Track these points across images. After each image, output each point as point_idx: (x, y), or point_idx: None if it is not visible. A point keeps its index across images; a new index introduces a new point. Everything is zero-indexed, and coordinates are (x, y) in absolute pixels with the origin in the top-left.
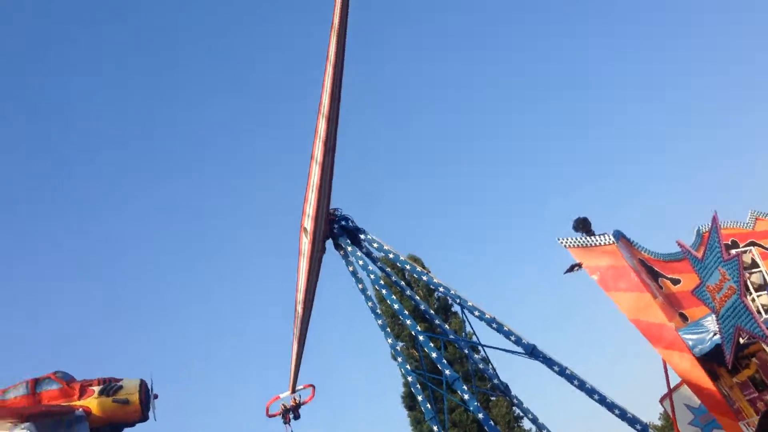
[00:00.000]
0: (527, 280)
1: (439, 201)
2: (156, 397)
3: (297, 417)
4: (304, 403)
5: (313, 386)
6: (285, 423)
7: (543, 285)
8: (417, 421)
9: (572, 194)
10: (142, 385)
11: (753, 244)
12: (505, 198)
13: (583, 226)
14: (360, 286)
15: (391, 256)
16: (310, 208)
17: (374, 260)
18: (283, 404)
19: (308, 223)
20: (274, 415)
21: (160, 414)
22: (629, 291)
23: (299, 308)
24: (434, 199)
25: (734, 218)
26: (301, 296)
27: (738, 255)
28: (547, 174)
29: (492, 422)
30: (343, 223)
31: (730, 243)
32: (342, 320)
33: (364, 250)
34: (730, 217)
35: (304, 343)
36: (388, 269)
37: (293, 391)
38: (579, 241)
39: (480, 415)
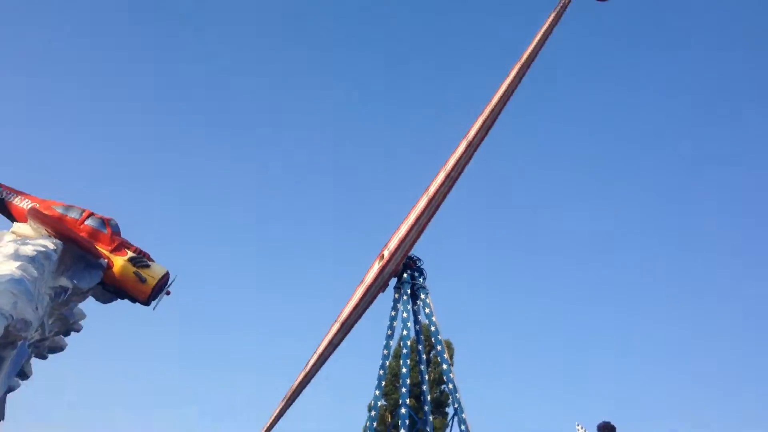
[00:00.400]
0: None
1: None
2: (168, 293)
3: None
4: None
5: None
6: None
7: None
8: None
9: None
10: (166, 275)
11: None
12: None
13: (606, 427)
14: (389, 332)
15: (432, 328)
16: (396, 239)
17: (416, 321)
18: None
19: (387, 252)
20: None
21: (160, 308)
22: None
23: (333, 330)
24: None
25: None
26: (342, 317)
27: None
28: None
29: None
30: (415, 273)
31: None
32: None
33: (415, 307)
34: None
35: (307, 383)
36: (422, 337)
37: None
38: None
39: None
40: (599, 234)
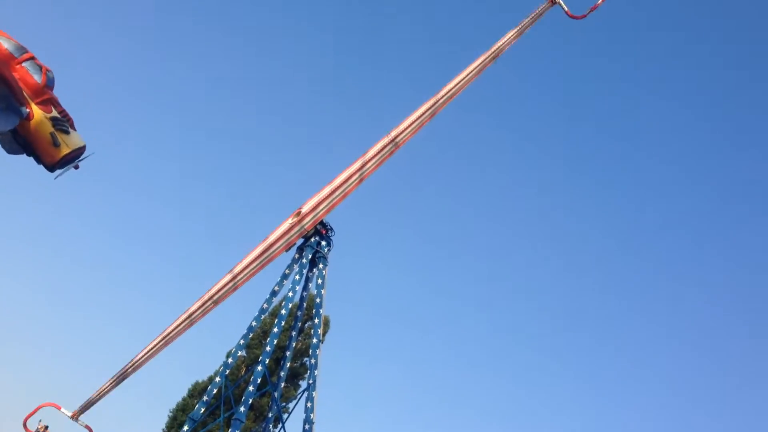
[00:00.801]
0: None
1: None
2: (77, 167)
3: None
4: None
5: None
6: None
7: None
8: (182, 408)
9: None
10: (81, 149)
11: None
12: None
13: None
14: (276, 288)
15: (317, 300)
16: (322, 205)
17: (305, 288)
18: (43, 425)
19: (306, 212)
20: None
21: (61, 180)
22: None
23: (224, 280)
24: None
25: None
26: (238, 268)
27: None
28: None
29: None
30: (323, 242)
31: None
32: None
33: (310, 273)
34: None
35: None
36: (305, 305)
37: (77, 416)
38: None
39: None
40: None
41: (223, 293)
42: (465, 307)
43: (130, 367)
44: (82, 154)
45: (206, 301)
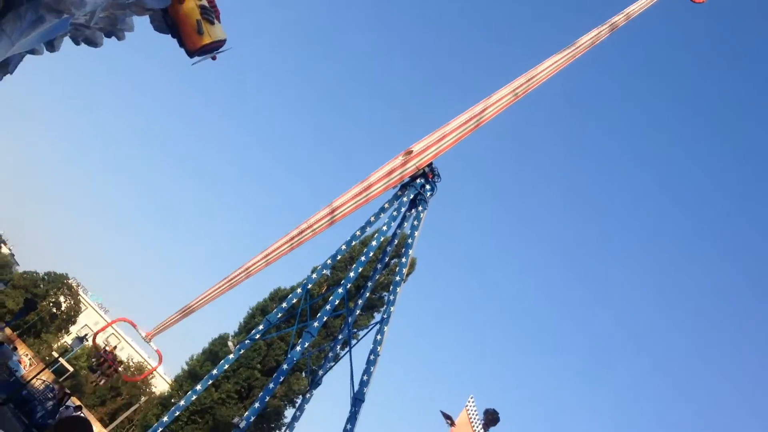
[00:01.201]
0: (422, 374)
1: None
2: (214, 59)
3: (114, 370)
4: (119, 362)
5: (161, 357)
6: (98, 372)
7: (423, 389)
8: (262, 309)
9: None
10: (222, 42)
11: None
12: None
13: (490, 418)
14: (372, 218)
15: (409, 240)
16: (433, 147)
17: (401, 226)
18: (106, 347)
19: (417, 152)
20: (95, 346)
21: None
22: None
23: (326, 210)
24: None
25: None
26: (324, 211)
27: None
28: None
29: (281, 379)
30: (427, 186)
31: None
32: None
33: (409, 213)
34: None
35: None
36: (396, 242)
37: (151, 338)
38: (474, 417)
39: (285, 366)
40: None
41: (319, 226)
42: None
43: (217, 292)
44: (221, 46)
45: (296, 235)
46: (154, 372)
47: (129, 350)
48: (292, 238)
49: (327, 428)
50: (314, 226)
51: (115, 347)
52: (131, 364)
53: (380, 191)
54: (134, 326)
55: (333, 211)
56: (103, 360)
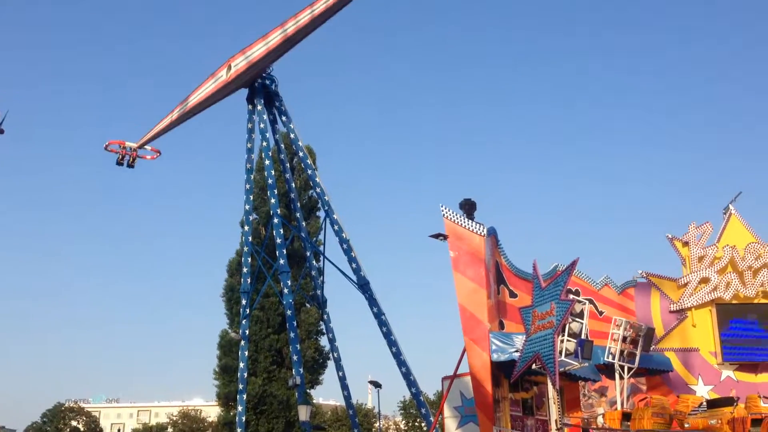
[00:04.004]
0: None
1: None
2: (2, 132)
3: (131, 165)
4: (142, 158)
5: (160, 152)
6: (118, 164)
7: (406, 235)
8: (231, 289)
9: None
10: None
11: (591, 301)
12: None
13: (468, 207)
14: (249, 145)
15: (291, 136)
16: (254, 52)
17: (275, 131)
18: (123, 146)
19: (240, 63)
20: (111, 151)
21: None
22: (472, 280)
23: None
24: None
25: (590, 273)
26: (192, 101)
27: (573, 301)
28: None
29: (295, 323)
30: (267, 82)
31: (573, 290)
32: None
33: (270, 116)
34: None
35: (182, 119)
36: (283, 146)
37: (141, 146)
38: (457, 218)
39: (288, 312)
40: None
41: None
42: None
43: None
44: None
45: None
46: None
47: None
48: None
49: (365, 329)
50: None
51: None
52: None
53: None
54: (122, 143)
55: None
56: (123, 156)
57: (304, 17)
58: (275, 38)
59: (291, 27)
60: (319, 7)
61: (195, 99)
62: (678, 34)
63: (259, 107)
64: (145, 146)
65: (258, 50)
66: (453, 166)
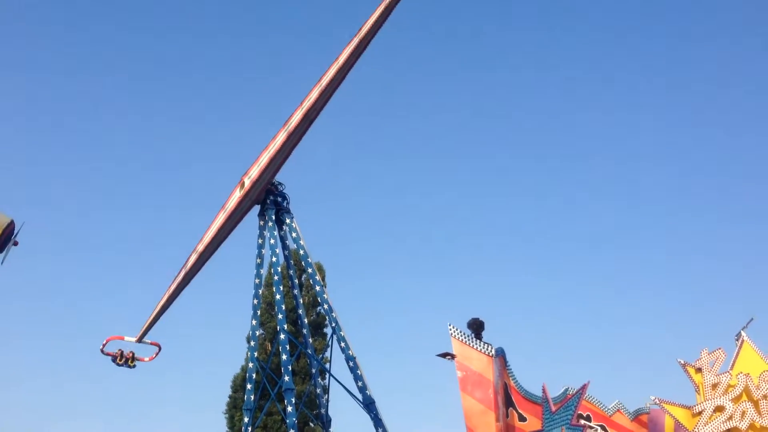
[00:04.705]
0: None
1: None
2: (16, 244)
3: (130, 366)
4: (140, 360)
5: (160, 347)
6: (115, 362)
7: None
8: (234, 405)
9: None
10: (10, 225)
11: (602, 427)
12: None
13: (476, 327)
14: (258, 260)
15: (301, 252)
16: (257, 169)
17: (285, 247)
18: (120, 349)
19: (248, 180)
20: (107, 354)
21: (9, 261)
22: (480, 402)
23: (192, 257)
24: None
25: (601, 398)
26: (201, 247)
27: (584, 427)
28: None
29: None
30: (278, 198)
31: (584, 415)
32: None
33: (282, 232)
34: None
35: (177, 295)
36: (292, 262)
37: (140, 340)
38: (465, 337)
39: (291, 431)
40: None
41: (193, 270)
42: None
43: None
44: (13, 228)
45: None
46: None
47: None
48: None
49: None
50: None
51: (132, 354)
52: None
53: (237, 221)
54: (122, 338)
55: (201, 253)
56: (121, 359)
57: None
58: (277, 142)
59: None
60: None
61: (210, 233)
62: None
63: (270, 224)
64: (145, 340)
65: (264, 159)
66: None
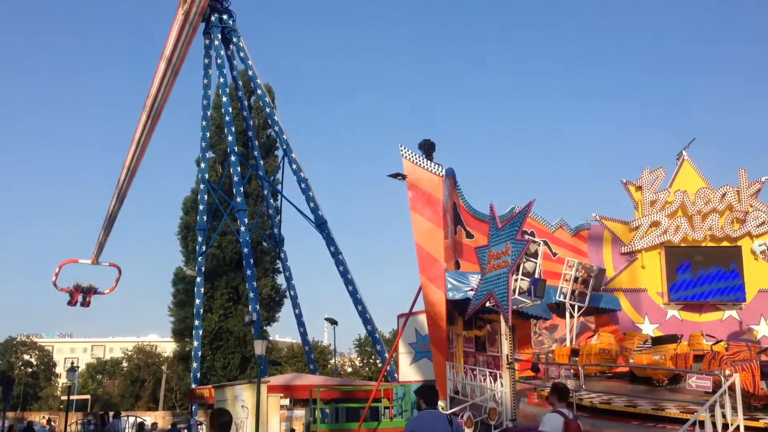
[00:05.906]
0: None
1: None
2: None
3: (85, 305)
4: (100, 293)
5: (120, 269)
6: (70, 304)
7: (366, 174)
8: (186, 226)
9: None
10: None
11: (545, 242)
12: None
13: (427, 148)
14: (205, 81)
15: (250, 73)
16: None
17: (232, 67)
18: (76, 282)
19: None
20: (62, 290)
21: None
22: (429, 220)
23: (143, 116)
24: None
25: (545, 216)
26: (149, 101)
27: (528, 241)
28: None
29: (252, 261)
30: (224, 16)
31: (528, 231)
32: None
33: (229, 52)
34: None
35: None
36: (241, 83)
37: (96, 260)
38: (416, 158)
39: (245, 250)
40: None
41: (154, 115)
42: None
43: (116, 202)
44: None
45: (143, 128)
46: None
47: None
48: (138, 140)
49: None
50: (148, 122)
51: (80, 285)
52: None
53: (185, 54)
54: (76, 261)
55: (154, 100)
56: (77, 296)
57: None
58: None
59: None
60: None
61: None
62: None
63: (216, 42)
64: (101, 262)
65: None
66: (414, 109)
